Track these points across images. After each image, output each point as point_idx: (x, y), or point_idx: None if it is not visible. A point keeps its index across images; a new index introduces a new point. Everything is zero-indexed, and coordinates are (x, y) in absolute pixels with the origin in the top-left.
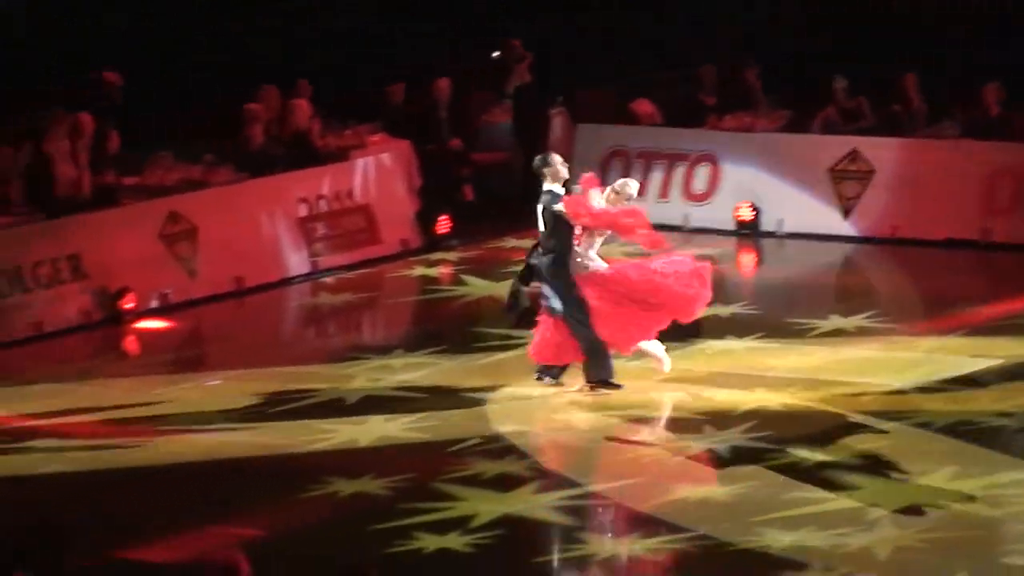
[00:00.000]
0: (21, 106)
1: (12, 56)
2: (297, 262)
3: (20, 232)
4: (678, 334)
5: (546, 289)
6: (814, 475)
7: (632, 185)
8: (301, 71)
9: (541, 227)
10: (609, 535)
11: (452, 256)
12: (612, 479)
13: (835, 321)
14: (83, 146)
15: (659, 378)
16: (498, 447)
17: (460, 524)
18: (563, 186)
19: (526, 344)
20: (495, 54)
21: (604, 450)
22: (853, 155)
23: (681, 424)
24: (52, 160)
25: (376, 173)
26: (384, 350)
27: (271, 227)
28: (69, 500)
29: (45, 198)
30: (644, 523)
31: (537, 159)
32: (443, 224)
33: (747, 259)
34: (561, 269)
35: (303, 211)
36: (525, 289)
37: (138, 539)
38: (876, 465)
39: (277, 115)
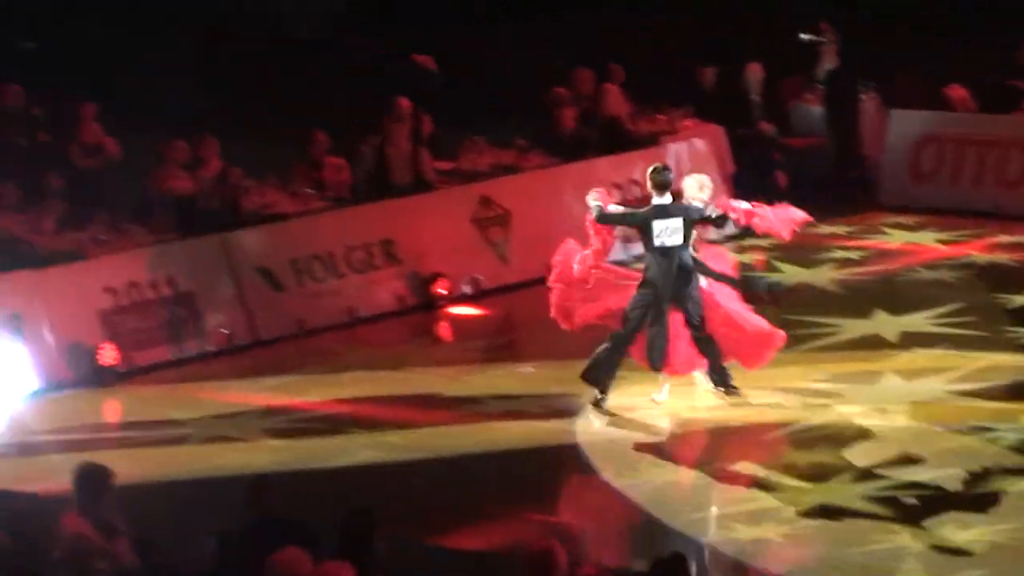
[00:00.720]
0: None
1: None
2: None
3: (333, 218)
4: None
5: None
6: None
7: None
8: (613, 55)
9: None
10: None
11: (764, 242)
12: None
13: None
14: (405, 132)
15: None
16: (810, 436)
17: (775, 513)
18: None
19: (839, 330)
20: (805, 37)
21: (927, 436)
22: None
23: None
24: (388, 148)
25: (688, 158)
26: None
27: (583, 212)
28: (381, 486)
29: (381, 185)
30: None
31: (659, 174)
32: None
33: None
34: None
35: (616, 196)
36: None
37: (451, 525)
38: None
39: (590, 99)
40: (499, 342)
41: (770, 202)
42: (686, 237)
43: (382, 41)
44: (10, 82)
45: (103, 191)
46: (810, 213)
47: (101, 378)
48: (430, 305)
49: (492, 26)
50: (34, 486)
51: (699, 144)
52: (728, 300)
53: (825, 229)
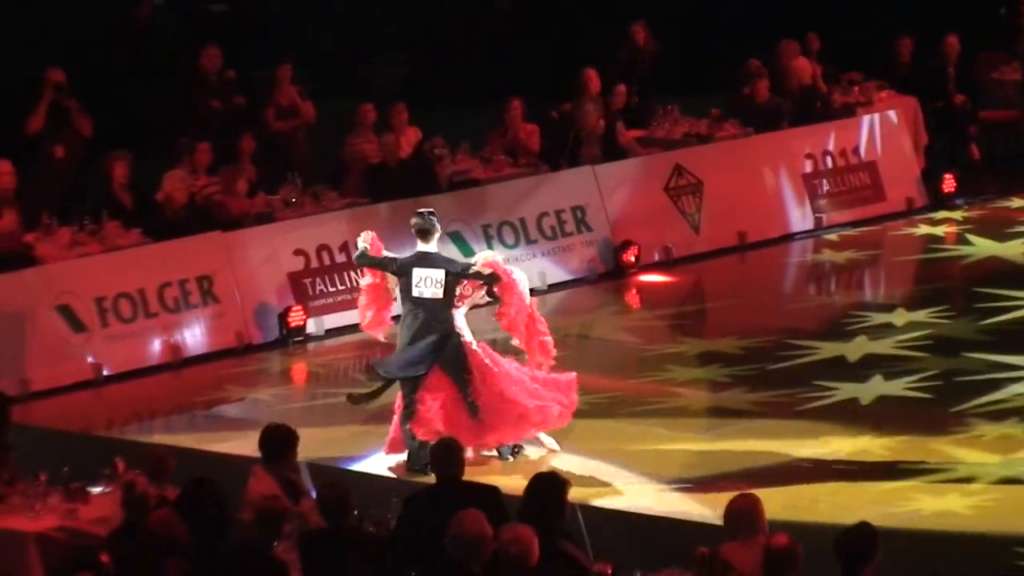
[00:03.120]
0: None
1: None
2: (800, 218)
3: (526, 183)
4: None
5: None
6: None
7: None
8: (812, 24)
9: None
10: None
11: (957, 215)
12: None
13: None
14: (598, 108)
15: None
16: (1000, 409)
17: (960, 486)
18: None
19: None
20: (1003, 10)
21: None
22: None
23: None
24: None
25: (882, 130)
26: (886, 308)
27: (775, 182)
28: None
29: (573, 156)
30: None
31: (422, 219)
32: (949, 183)
33: None
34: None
35: (808, 167)
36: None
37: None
38: None
39: (786, 70)
40: (688, 310)
41: (965, 175)
42: (447, 292)
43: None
44: (207, 44)
45: (296, 154)
46: (1003, 186)
47: (289, 340)
48: (621, 272)
49: None
50: (219, 446)
51: (893, 116)
52: (507, 367)
53: (1017, 203)
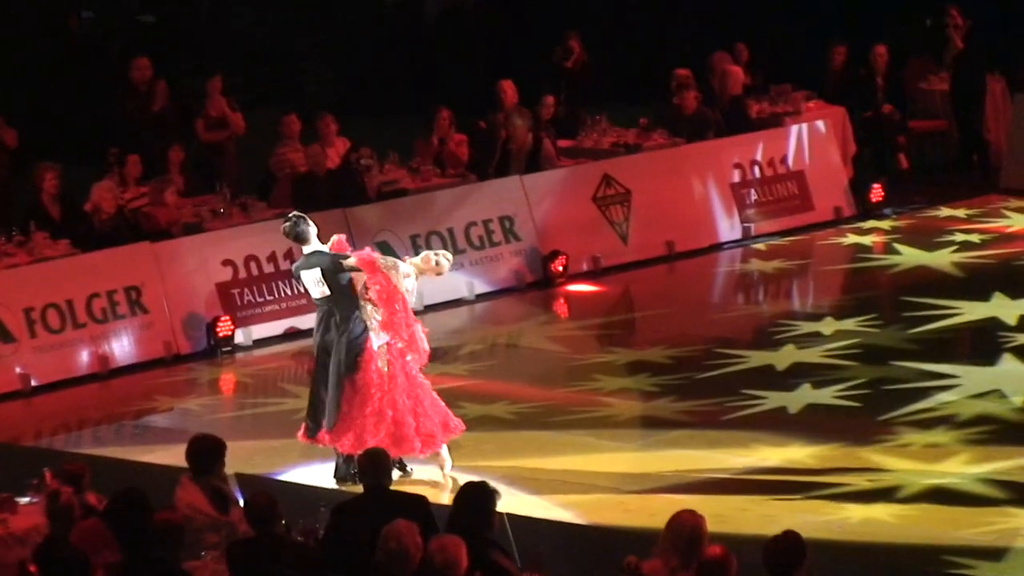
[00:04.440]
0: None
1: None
2: (728, 228)
3: (454, 194)
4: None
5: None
6: None
7: (445, 264)
8: (738, 35)
9: (322, 293)
10: None
11: (885, 225)
12: None
13: None
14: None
15: None
16: (928, 417)
17: (887, 494)
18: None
19: (960, 314)
20: (929, 21)
21: None
22: None
23: None
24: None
25: (810, 140)
26: (814, 317)
27: (703, 192)
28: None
29: (502, 168)
30: None
31: (290, 224)
32: (877, 192)
33: None
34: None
35: (736, 177)
36: None
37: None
38: None
39: (715, 79)
40: (616, 320)
41: (893, 185)
42: (333, 288)
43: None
44: (136, 55)
45: (225, 164)
46: (931, 196)
47: (218, 350)
48: (549, 282)
49: (621, 3)
50: (148, 457)
51: (821, 126)
52: (410, 375)
53: (945, 212)
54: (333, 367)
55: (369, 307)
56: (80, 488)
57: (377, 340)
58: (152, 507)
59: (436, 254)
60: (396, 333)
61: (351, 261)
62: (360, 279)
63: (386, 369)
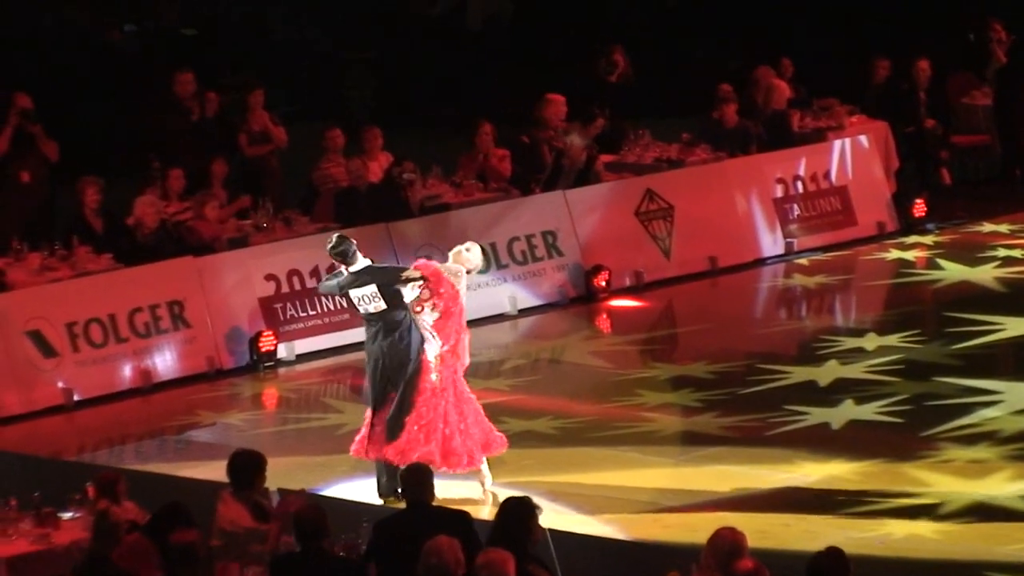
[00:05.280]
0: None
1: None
2: (771, 243)
3: (496, 208)
4: None
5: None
6: None
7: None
8: (782, 49)
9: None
10: None
11: (928, 240)
12: None
13: None
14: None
15: None
16: (970, 433)
17: (930, 510)
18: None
19: (1003, 330)
20: (972, 35)
21: None
22: None
23: None
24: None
25: (853, 154)
26: (857, 332)
27: (746, 207)
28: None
29: (550, 182)
30: None
31: (337, 244)
32: (920, 207)
33: None
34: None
35: (779, 192)
36: None
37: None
38: None
39: (759, 93)
40: (659, 335)
41: (936, 199)
42: (389, 300)
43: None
44: (181, 69)
45: (268, 178)
46: (974, 211)
47: (260, 365)
48: (592, 297)
49: (664, 18)
50: (192, 472)
51: (864, 140)
52: (459, 390)
53: (988, 227)
54: (388, 379)
55: (423, 316)
56: (116, 498)
57: (432, 349)
58: (195, 522)
59: (462, 247)
60: (446, 339)
61: (413, 272)
62: (418, 289)
63: (438, 382)
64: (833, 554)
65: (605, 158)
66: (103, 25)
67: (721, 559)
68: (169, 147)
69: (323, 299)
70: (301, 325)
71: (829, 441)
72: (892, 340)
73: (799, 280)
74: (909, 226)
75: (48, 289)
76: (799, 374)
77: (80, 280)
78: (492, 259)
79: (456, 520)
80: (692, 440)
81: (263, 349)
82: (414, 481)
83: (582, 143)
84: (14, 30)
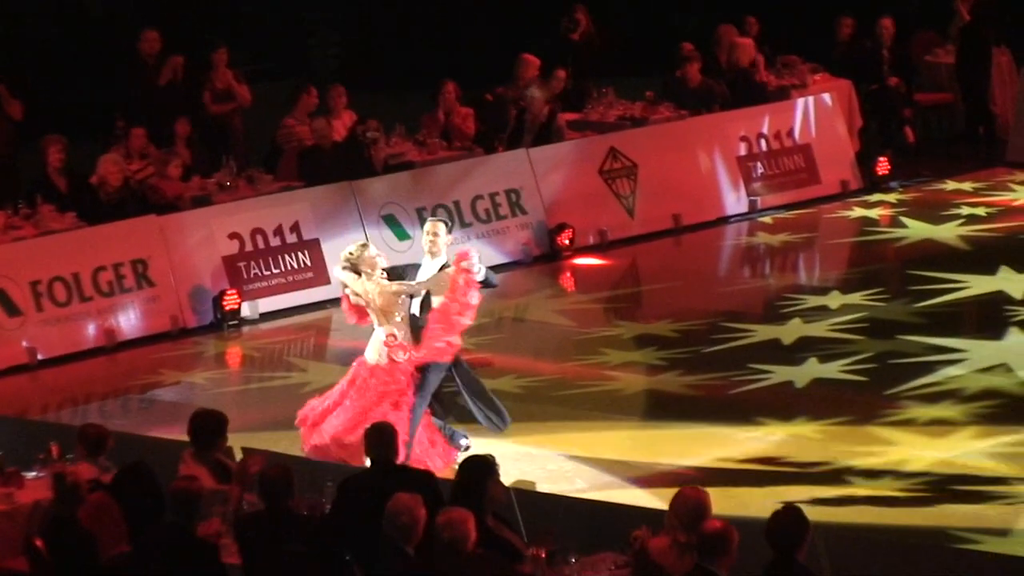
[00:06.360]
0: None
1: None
2: (735, 201)
3: (460, 167)
4: None
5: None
6: None
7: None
8: (746, 7)
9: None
10: None
11: (891, 198)
12: None
13: None
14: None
15: None
16: (934, 392)
17: (893, 469)
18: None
19: (967, 288)
20: None
21: None
22: None
23: None
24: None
25: (817, 113)
26: (821, 291)
27: (710, 165)
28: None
29: (513, 139)
30: None
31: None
32: (883, 165)
33: None
34: None
35: (743, 150)
36: None
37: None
38: None
39: (722, 52)
40: (622, 293)
41: (899, 158)
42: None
43: None
44: (146, 28)
45: (232, 137)
46: (937, 169)
47: (224, 323)
48: (555, 255)
49: None
50: (154, 430)
51: (827, 99)
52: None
53: (951, 185)
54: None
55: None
56: (98, 452)
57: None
58: (157, 481)
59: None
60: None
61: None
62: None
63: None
64: (791, 512)
65: (568, 116)
66: None
67: (686, 520)
68: (133, 107)
69: (286, 257)
70: (265, 284)
71: (793, 399)
72: (856, 298)
73: (763, 238)
74: (873, 184)
75: (12, 248)
76: (763, 332)
77: (44, 239)
78: (456, 217)
79: (420, 479)
80: (656, 398)
81: (227, 308)
82: (378, 441)
83: (543, 97)
84: None
